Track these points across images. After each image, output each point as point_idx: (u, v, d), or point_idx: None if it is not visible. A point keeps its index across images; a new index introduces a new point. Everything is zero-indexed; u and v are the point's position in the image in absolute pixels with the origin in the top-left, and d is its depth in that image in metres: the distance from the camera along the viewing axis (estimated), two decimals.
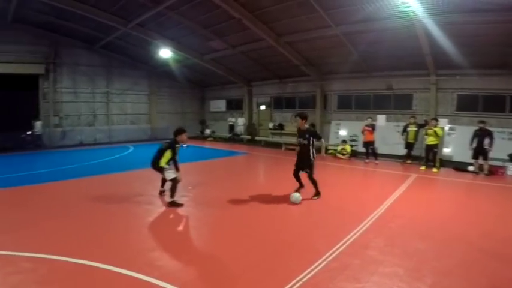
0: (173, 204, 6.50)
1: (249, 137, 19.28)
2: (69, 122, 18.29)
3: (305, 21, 11.83)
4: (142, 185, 8.36)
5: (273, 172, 11.26)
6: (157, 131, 21.67)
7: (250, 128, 19.99)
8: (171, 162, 6.61)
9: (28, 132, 16.66)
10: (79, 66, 18.41)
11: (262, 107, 19.93)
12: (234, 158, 14.18)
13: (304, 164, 7.02)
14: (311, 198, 7.00)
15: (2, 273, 3.66)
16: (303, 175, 7.17)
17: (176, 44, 16.01)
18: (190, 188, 8.02)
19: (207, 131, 22.39)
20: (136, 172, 10.25)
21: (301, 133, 7.02)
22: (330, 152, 14.06)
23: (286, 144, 16.26)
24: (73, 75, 18.28)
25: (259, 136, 19.22)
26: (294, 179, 7.29)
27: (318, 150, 7.19)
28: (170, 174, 6.60)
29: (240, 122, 19.72)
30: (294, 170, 7.24)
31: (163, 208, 6.43)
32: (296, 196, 6.76)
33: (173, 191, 6.55)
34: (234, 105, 21.98)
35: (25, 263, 3.92)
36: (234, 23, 12.77)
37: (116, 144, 18.78)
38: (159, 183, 7.39)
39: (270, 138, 18.18)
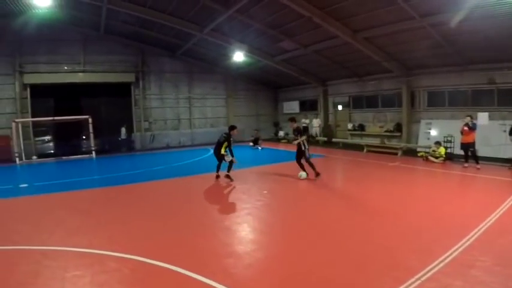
0: (228, 177, 9.22)
1: (325, 138, 18.54)
2: (157, 126, 20.01)
3: (384, 15, 10.85)
4: (222, 188, 8.54)
5: (354, 176, 10.48)
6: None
7: (326, 130, 19.23)
8: (227, 150, 9.13)
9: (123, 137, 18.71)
10: (164, 73, 20.06)
11: (340, 107, 19.02)
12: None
13: (299, 153, 9.21)
14: (314, 179, 8.93)
15: (90, 272, 3.93)
16: (305, 163, 9.14)
17: (248, 46, 16.22)
18: (265, 192, 7.91)
19: (281, 133, 22.29)
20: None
21: (293, 131, 9.55)
22: (420, 154, 12.62)
23: (368, 146, 15.13)
24: (159, 82, 19.99)
25: (336, 138, 18.34)
26: (371, 180, 8.84)
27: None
28: (228, 158, 9.11)
29: (315, 124, 19.11)
30: (296, 159, 9.38)
31: (243, 212, 6.36)
32: (300, 173, 9.21)
33: (230, 168, 9.26)
34: (308, 106, 21.43)
35: (111, 263, 4.17)
36: (303, 22, 12.39)
37: (198, 146, 19.86)
38: (238, 187, 8.39)
39: (349, 140, 17.20)
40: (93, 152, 16.72)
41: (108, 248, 4.54)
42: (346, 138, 17.57)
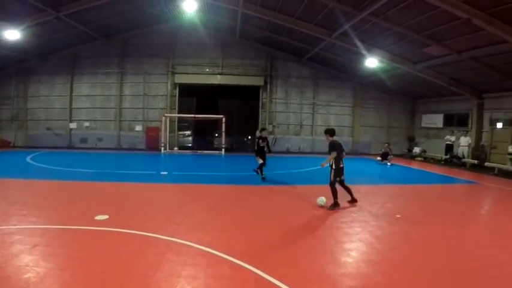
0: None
1: (474, 161, 15.28)
2: (280, 130, 20.34)
3: None
4: (346, 206, 7.75)
5: None
6: (358, 145, 20.84)
7: (478, 151, 15.81)
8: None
9: (249, 137, 19.92)
10: (290, 78, 20.33)
11: (499, 125, 15.38)
12: (453, 186, 11.37)
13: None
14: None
15: (204, 275, 3.84)
16: None
17: (383, 52, 14.65)
18: (398, 216, 6.72)
19: (416, 150, 19.45)
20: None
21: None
22: None
23: None
24: (285, 87, 20.34)
25: (490, 162, 14.90)
26: None
27: None
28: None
29: (463, 142, 15.85)
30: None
31: (369, 236, 5.43)
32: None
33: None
34: (455, 121, 18.04)
35: (227, 268, 4.01)
36: (458, 24, 10.39)
37: (318, 154, 19.21)
38: (365, 206, 7.38)
39: (509, 166, 13.70)
40: (223, 149, 18.08)
41: (227, 251, 4.41)
42: (505, 164, 14.04)
